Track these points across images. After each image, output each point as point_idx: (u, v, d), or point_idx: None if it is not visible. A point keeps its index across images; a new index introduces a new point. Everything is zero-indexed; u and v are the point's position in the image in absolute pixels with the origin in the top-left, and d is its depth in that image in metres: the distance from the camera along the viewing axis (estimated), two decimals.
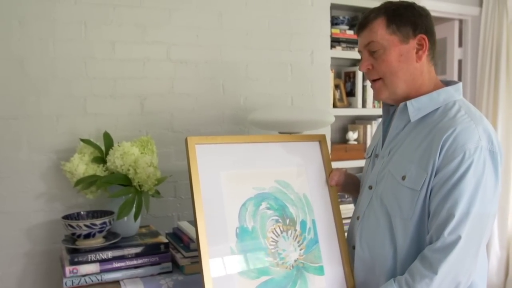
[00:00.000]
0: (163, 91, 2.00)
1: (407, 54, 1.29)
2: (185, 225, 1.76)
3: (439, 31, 4.07)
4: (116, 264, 1.57)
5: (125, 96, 1.94)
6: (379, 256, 1.32)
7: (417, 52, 1.29)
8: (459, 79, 3.85)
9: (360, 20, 1.36)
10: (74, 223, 1.56)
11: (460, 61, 3.84)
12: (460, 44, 3.82)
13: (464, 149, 1.17)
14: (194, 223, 1.35)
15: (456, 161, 1.17)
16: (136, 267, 1.59)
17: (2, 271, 1.81)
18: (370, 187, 1.37)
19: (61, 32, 1.82)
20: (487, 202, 1.18)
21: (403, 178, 1.25)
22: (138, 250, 1.60)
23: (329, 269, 1.48)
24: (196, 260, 1.60)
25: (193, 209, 1.36)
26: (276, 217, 1.46)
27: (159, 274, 1.61)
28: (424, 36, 1.29)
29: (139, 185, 1.67)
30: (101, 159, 1.76)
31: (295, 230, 1.48)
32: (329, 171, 1.56)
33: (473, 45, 3.71)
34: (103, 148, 1.79)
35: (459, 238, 1.15)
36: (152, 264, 1.61)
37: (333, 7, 2.56)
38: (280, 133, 1.99)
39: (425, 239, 1.23)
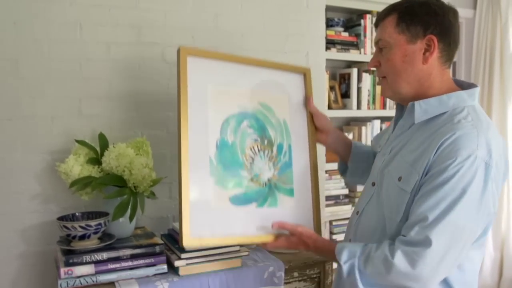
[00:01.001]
0: (158, 92, 2.00)
1: (412, 55, 1.25)
2: None
3: None
4: (111, 266, 1.57)
5: (120, 97, 1.93)
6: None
7: (424, 54, 1.25)
8: None
9: (380, 13, 1.33)
10: (69, 224, 1.55)
11: (454, 63, 3.86)
12: None
13: (457, 154, 1.13)
14: (177, 129, 1.42)
15: (446, 164, 1.13)
16: (131, 268, 1.59)
17: None
18: (373, 184, 1.36)
19: (56, 33, 1.82)
20: (466, 215, 1.12)
21: (399, 179, 1.25)
22: (133, 251, 1.60)
23: (298, 192, 1.62)
24: (192, 262, 1.61)
25: (178, 117, 1.43)
26: (256, 136, 1.58)
27: (154, 275, 1.61)
28: (434, 37, 1.23)
29: (134, 186, 1.67)
30: (96, 160, 1.76)
31: (272, 152, 1.60)
32: (309, 103, 1.67)
33: (467, 47, 3.73)
34: (98, 149, 1.79)
35: (426, 239, 1.11)
36: (147, 266, 1.61)
37: (328, 9, 2.56)
38: None
39: None
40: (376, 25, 1.34)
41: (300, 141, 1.66)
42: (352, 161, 1.66)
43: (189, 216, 1.40)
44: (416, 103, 1.27)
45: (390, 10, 1.30)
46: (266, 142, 1.60)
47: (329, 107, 2.92)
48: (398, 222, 1.24)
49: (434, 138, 1.19)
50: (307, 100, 1.69)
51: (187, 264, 1.61)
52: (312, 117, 1.69)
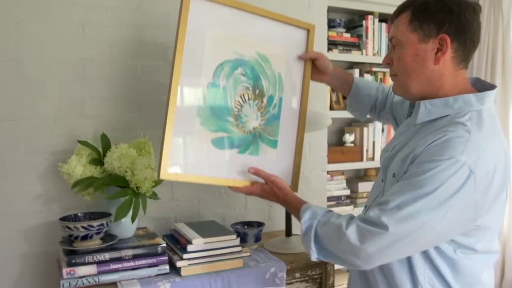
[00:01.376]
0: (160, 93, 2.00)
1: (424, 54, 1.20)
2: (182, 227, 1.77)
3: None
4: (114, 266, 1.57)
5: (122, 98, 1.94)
6: None
7: (436, 54, 1.19)
8: None
9: (395, 10, 1.29)
10: (71, 225, 1.56)
11: None
12: None
13: (440, 153, 1.09)
14: (171, 65, 1.46)
15: (427, 159, 1.10)
16: (133, 268, 1.60)
17: None
18: (382, 180, 1.33)
19: (59, 33, 1.83)
20: (429, 213, 1.07)
21: (393, 175, 1.23)
22: (135, 251, 1.61)
23: (282, 145, 1.66)
24: (194, 262, 1.62)
25: (173, 55, 1.46)
26: (248, 85, 1.60)
27: (156, 275, 1.61)
28: (447, 37, 1.17)
29: (137, 187, 1.68)
30: (98, 160, 1.76)
31: (262, 102, 1.63)
32: (308, 61, 1.70)
33: None
34: (100, 149, 1.80)
35: (382, 222, 1.09)
36: (149, 266, 1.61)
37: (330, 10, 2.57)
38: None
39: None
40: (391, 21, 1.29)
41: (292, 96, 1.69)
42: (350, 102, 1.74)
43: (170, 151, 1.45)
44: (422, 102, 1.23)
45: (405, 6, 1.24)
46: (257, 92, 1.62)
47: (331, 108, 2.92)
48: None
49: (427, 137, 1.16)
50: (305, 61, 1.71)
51: (189, 265, 1.62)
52: (311, 68, 1.71)
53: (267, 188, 1.53)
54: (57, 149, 1.84)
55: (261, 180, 1.55)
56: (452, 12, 1.17)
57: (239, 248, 1.70)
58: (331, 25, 2.90)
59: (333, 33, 2.86)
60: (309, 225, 1.26)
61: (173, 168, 1.47)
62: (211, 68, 1.53)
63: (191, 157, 1.50)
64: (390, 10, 2.88)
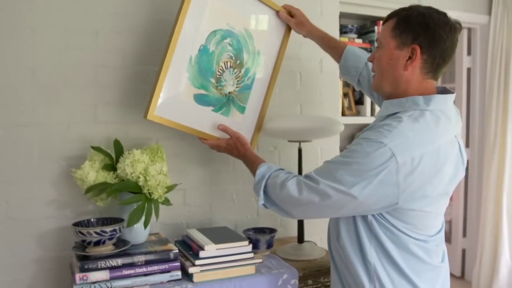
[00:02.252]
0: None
1: (396, 60, 1.34)
2: (194, 233, 1.77)
3: None
4: (126, 272, 1.57)
5: (135, 104, 1.95)
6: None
7: (406, 61, 1.32)
8: (468, 87, 3.83)
9: (386, 15, 1.42)
10: (84, 230, 1.56)
11: (469, 70, 3.83)
12: (469, 53, 3.81)
13: (370, 134, 1.27)
14: (173, 26, 1.70)
15: (360, 137, 1.31)
16: (145, 274, 1.60)
17: (12, 277, 1.81)
18: None
19: (72, 40, 1.84)
20: (362, 187, 1.23)
21: None
22: (147, 257, 1.61)
23: (248, 112, 1.94)
24: (206, 268, 1.61)
25: (176, 17, 1.70)
26: (232, 54, 1.85)
27: (169, 282, 1.61)
28: (418, 48, 1.30)
29: (149, 193, 1.68)
30: (111, 166, 1.77)
31: (240, 72, 1.88)
32: (284, 46, 2.00)
33: (482, 53, 3.70)
34: (113, 155, 1.81)
35: (316, 178, 1.30)
36: (162, 272, 1.61)
37: (342, 15, 2.56)
38: (289, 141, 1.99)
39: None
40: (382, 24, 1.43)
41: (265, 73, 1.96)
42: (340, 70, 1.92)
43: (159, 97, 1.68)
44: (385, 102, 1.40)
45: (393, 14, 1.38)
46: (238, 62, 1.88)
47: (343, 114, 2.91)
48: None
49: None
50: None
51: (201, 271, 1.62)
52: (285, 48, 2.01)
53: (231, 143, 1.77)
54: (71, 155, 1.86)
55: (228, 137, 1.80)
56: (428, 27, 1.29)
57: (251, 255, 1.69)
58: (343, 31, 2.90)
59: (345, 39, 2.85)
60: (262, 175, 1.48)
61: (158, 111, 1.69)
62: (205, 33, 1.77)
63: (174, 105, 1.73)
64: None
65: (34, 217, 1.83)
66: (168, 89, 1.70)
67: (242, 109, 1.93)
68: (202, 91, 1.80)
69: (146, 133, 1.97)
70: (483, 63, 3.69)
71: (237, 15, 1.84)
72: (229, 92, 1.87)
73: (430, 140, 1.26)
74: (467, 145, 3.90)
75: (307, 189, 1.32)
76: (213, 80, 1.82)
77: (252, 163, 1.63)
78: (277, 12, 1.95)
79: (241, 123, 1.92)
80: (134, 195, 1.68)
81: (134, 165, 1.68)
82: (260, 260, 1.71)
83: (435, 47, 1.30)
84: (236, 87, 1.89)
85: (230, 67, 1.85)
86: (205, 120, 1.82)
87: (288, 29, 2.00)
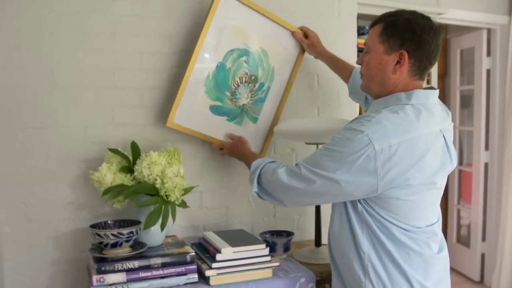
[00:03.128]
0: (190, 100, 2.00)
1: (385, 64, 1.40)
2: (211, 236, 1.76)
3: (467, 41, 4.02)
4: (143, 274, 1.57)
5: (152, 106, 1.95)
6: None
7: (395, 65, 1.39)
8: (488, 89, 3.78)
9: (373, 20, 1.48)
10: (101, 232, 1.57)
11: (488, 71, 3.78)
12: (489, 54, 3.76)
13: (350, 125, 1.34)
14: (194, 44, 1.86)
15: (344, 128, 1.37)
16: (162, 277, 1.60)
17: (30, 279, 1.83)
18: None
19: (90, 42, 1.85)
20: (343, 172, 1.29)
21: None
22: (164, 260, 1.60)
23: (261, 122, 2.09)
24: (223, 271, 1.61)
25: (197, 37, 1.86)
26: (247, 71, 2.00)
27: (185, 284, 1.61)
28: (405, 53, 1.36)
29: (166, 195, 1.68)
30: (128, 168, 1.78)
31: (254, 86, 2.03)
32: (298, 63, 2.12)
33: (502, 54, 3.64)
34: (130, 157, 1.81)
35: (302, 165, 1.40)
36: (178, 275, 1.61)
37: (359, 17, 2.54)
38: (306, 143, 1.97)
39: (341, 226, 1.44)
40: (369, 28, 1.48)
41: (279, 88, 2.09)
42: (348, 89, 2.03)
43: (179, 107, 1.86)
44: (373, 102, 1.48)
45: (379, 19, 1.44)
46: (253, 77, 2.02)
47: (360, 114, 2.88)
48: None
49: None
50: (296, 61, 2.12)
51: (218, 274, 1.61)
52: (299, 67, 2.12)
53: (233, 143, 1.93)
54: (88, 157, 1.86)
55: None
56: (415, 32, 1.36)
57: (268, 258, 1.68)
58: (360, 32, 2.87)
59: (362, 40, 2.83)
60: (257, 165, 1.58)
61: (177, 119, 1.88)
62: (223, 52, 1.93)
63: (192, 115, 1.91)
64: None
65: (51, 219, 1.84)
66: (186, 101, 1.87)
67: (254, 120, 2.07)
68: (218, 103, 1.96)
69: (163, 135, 1.97)
70: (503, 64, 3.64)
71: (254, 35, 1.99)
72: (243, 104, 2.02)
73: (408, 129, 1.30)
74: (486, 148, 3.85)
75: (294, 175, 1.41)
76: (228, 93, 1.98)
77: (248, 158, 1.74)
78: (293, 33, 2.07)
79: (253, 132, 2.06)
80: (151, 197, 1.67)
81: (151, 167, 1.68)
82: (277, 264, 1.70)
83: (421, 51, 1.37)
84: (250, 100, 2.03)
85: (245, 82, 2.00)
86: (219, 128, 1.98)
87: (303, 49, 2.12)
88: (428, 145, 1.32)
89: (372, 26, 1.46)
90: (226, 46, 1.93)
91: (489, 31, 3.69)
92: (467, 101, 4.19)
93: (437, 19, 2.92)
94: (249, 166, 1.64)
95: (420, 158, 1.29)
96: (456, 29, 4.10)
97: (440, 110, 1.43)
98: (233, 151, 1.91)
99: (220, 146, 1.97)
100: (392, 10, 1.47)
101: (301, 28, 2.09)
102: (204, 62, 1.89)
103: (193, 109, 1.90)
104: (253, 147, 2.01)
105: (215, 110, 1.96)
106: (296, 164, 1.44)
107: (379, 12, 2.78)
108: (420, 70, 1.40)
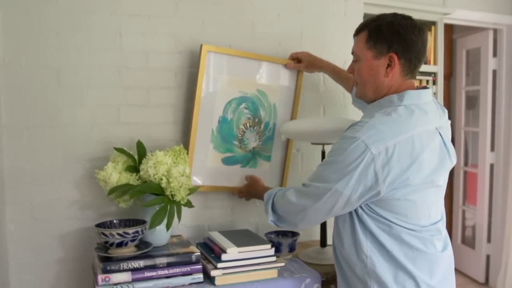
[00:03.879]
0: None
1: (376, 69, 1.42)
2: (217, 236, 1.76)
3: (473, 41, 4.00)
4: (148, 274, 1.57)
5: (158, 106, 1.95)
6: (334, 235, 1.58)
7: (386, 69, 1.41)
8: (494, 90, 3.76)
9: (356, 27, 1.50)
10: (107, 232, 1.56)
11: (494, 71, 3.76)
12: (495, 54, 3.74)
13: (345, 134, 1.35)
14: (193, 106, 1.89)
15: (339, 140, 1.37)
16: (167, 277, 1.59)
17: (35, 277, 1.83)
18: None
19: (96, 42, 1.85)
20: (334, 177, 1.32)
21: None
22: (169, 259, 1.60)
23: (274, 159, 2.12)
24: (228, 272, 1.60)
25: (194, 96, 1.89)
26: (249, 115, 2.04)
27: (190, 284, 1.61)
28: (394, 55, 1.38)
29: (172, 195, 1.67)
30: (134, 168, 1.77)
31: (260, 128, 2.07)
32: (298, 92, 2.13)
33: (508, 54, 3.63)
34: (136, 157, 1.81)
35: (309, 184, 1.42)
36: (184, 274, 1.61)
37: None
38: (312, 143, 1.97)
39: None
40: (354, 37, 1.50)
41: (285, 121, 2.10)
42: (352, 98, 1.97)
43: (192, 169, 1.90)
44: (367, 106, 1.50)
45: (363, 26, 1.46)
46: (256, 120, 2.06)
47: None
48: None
49: None
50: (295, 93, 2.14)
51: (223, 274, 1.60)
52: (299, 98, 2.14)
53: (247, 185, 1.96)
54: (94, 156, 1.86)
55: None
56: (400, 34, 1.38)
57: (274, 258, 1.68)
58: None
59: None
60: (270, 195, 1.58)
61: (194, 180, 1.93)
62: (221, 105, 1.96)
63: (206, 172, 1.97)
64: (426, 17, 2.85)
65: (57, 218, 1.84)
66: (197, 161, 1.93)
67: (267, 158, 2.11)
68: (228, 154, 2.01)
69: (168, 135, 1.97)
70: (509, 65, 3.62)
71: (247, 80, 2.02)
72: (253, 147, 2.06)
73: (402, 130, 1.32)
74: (492, 149, 3.83)
75: (302, 194, 1.43)
76: (236, 142, 2.02)
77: (261, 192, 1.74)
78: (285, 66, 2.08)
79: (268, 170, 2.11)
80: (157, 197, 1.67)
81: (157, 166, 1.68)
82: (282, 264, 1.70)
83: (409, 51, 1.39)
84: (259, 141, 2.07)
85: (250, 126, 2.04)
86: (235, 176, 2.03)
87: (300, 75, 2.13)
88: (424, 144, 1.33)
89: (356, 34, 1.48)
90: (223, 99, 1.96)
91: (495, 31, 3.68)
92: (472, 101, 4.18)
93: (444, 20, 2.92)
94: (263, 199, 1.64)
95: (417, 157, 1.31)
96: (462, 29, 4.09)
97: (435, 109, 1.45)
98: (250, 192, 1.93)
99: (239, 192, 2.00)
100: (393, 11, 1.50)
101: (290, 57, 2.10)
102: (205, 120, 1.92)
103: (206, 167, 1.96)
104: (272, 182, 2.09)
105: (228, 161, 2.01)
106: (303, 184, 1.46)
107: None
108: (411, 69, 1.42)
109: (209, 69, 1.91)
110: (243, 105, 2.01)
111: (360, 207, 1.37)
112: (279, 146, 2.12)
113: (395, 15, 1.42)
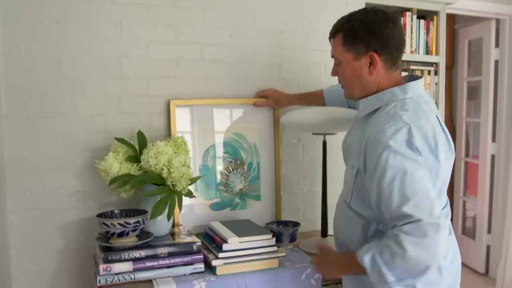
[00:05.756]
0: (196, 91, 2.00)
1: (360, 70, 1.41)
2: (218, 226, 1.76)
3: (475, 31, 3.98)
4: (149, 263, 1.57)
5: (159, 96, 1.94)
6: (337, 228, 1.55)
7: (369, 67, 1.40)
8: (496, 80, 3.74)
9: (330, 31, 1.48)
10: (108, 222, 1.57)
11: (496, 62, 3.74)
12: (497, 45, 3.71)
13: (380, 143, 1.28)
14: None
15: (376, 154, 1.28)
16: (168, 266, 1.60)
17: (37, 267, 1.83)
18: (346, 171, 1.54)
19: (97, 32, 1.84)
20: (411, 188, 1.23)
21: (352, 167, 1.44)
22: (170, 249, 1.60)
23: (264, 197, 2.11)
24: (229, 261, 1.61)
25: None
26: (230, 159, 2.05)
27: (191, 274, 1.61)
28: (374, 54, 1.38)
29: (173, 185, 1.67)
30: (135, 158, 1.77)
31: (243, 169, 2.08)
32: (277, 128, 2.11)
33: (511, 45, 3.61)
34: (137, 147, 1.80)
35: (416, 219, 1.23)
36: (185, 264, 1.61)
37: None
38: (313, 134, 1.96)
39: (358, 221, 1.41)
40: (330, 40, 1.49)
41: (267, 158, 2.11)
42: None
43: (179, 220, 1.92)
44: (361, 101, 1.46)
45: (336, 29, 1.45)
46: (238, 162, 2.06)
47: None
48: (349, 203, 1.46)
49: (367, 130, 1.36)
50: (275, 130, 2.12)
51: (225, 264, 1.61)
52: (279, 134, 2.13)
53: (319, 261, 1.53)
54: (94, 146, 1.86)
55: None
56: (374, 31, 1.37)
57: (275, 248, 1.68)
58: None
59: None
60: (372, 257, 1.29)
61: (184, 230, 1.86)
62: (200, 154, 1.99)
63: (197, 220, 1.99)
64: (428, 7, 2.83)
65: (58, 208, 1.84)
66: (185, 209, 1.95)
67: (257, 197, 2.10)
68: (215, 200, 2.03)
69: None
70: (511, 55, 3.60)
71: (221, 126, 2.03)
72: (240, 190, 2.07)
73: (428, 121, 1.33)
74: (493, 140, 3.83)
75: (418, 229, 1.22)
76: (221, 187, 2.04)
77: (346, 261, 1.43)
78: (253, 104, 2.07)
79: (260, 209, 2.09)
80: (158, 187, 1.67)
81: (158, 156, 1.67)
82: (283, 254, 1.70)
83: (388, 45, 1.38)
84: (245, 183, 2.08)
85: (233, 169, 2.05)
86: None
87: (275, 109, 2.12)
88: (436, 131, 1.34)
89: (331, 37, 1.47)
90: (200, 148, 1.99)
91: (497, 21, 3.65)
92: (474, 92, 4.16)
93: (446, 9, 2.90)
94: (355, 265, 1.34)
95: (438, 142, 1.33)
96: (464, 19, 4.06)
97: (428, 97, 1.46)
98: (328, 269, 1.51)
99: (315, 268, 1.60)
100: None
101: (257, 95, 2.09)
102: None
103: (195, 215, 1.99)
104: (268, 217, 2.10)
105: (216, 207, 2.03)
106: (405, 223, 1.24)
107: (387, 1, 2.78)
108: (394, 62, 1.42)
109: (181, 119, 1.94)
110: (222, 150, 2.03)
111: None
112: (268, 182, 2.11)
113: (365, 11, 1.41)
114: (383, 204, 1.29)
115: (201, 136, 1.99)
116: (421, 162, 1.27)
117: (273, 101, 2.07)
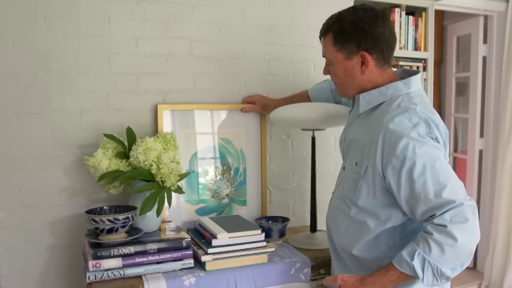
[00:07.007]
0: (185, 87, 2.00)
1: (351, 69, 1.42)
2: (207, 221, 1.76)
3: (463, 28, 4.00)
4: (139, 259, 1.57)
5: (148, 92, 1.94)
6: (333, 228, 1.54)
7: (361, 66, 1.41)
8: (483, 76, 3.77)
9: (320, 30, 1.49)
10: (97, 218, 1.56)
11: (484, 58, 3.76)
12: (485, 41, 3.74)
13: (402, 136, 1.28)
14: None
15: (399, 149, 1.28)
16: (158, 262, 1.60)
17: (25, 264, 1.83)
18: (344, 168, 1.53)
19: (85, 27, 1.83)
20: (443, 174, 1.25)
21: (356, 164, 1.42)
22: (160, 245, 1.61)
23: (250, 202, 2.12)
24: (219, 257, 1.61)
25: None
26: (217, 164, 2.05)
27: (181, 270, 1.61)
28: (365, 53, 1.38)
29: (162, 181, 1.67)
30: (124, 154, 1.77)
31: (230, 174, 2.08)
32: (264, 134, 2.12)
33: (499, 41, 3.63)
34: (126, 143, 1.80)
35: (456, 204, 1.24)
36: (174, 260, 1.61)
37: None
38: (302, 129, 1.97)
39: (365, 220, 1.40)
40: (320, 39, 1.50)
41: (254, 163, 2.12)
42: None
43: (166, 218, 1.93)
44: (361, 95, 1.45)
45: (326, 29, 1.45)
46: (225, 167, 2.07)
47: None
48: (355, 201, 1.42)
49: (375, 125, 1.36)
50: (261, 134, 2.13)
51: (214, 259, 1.61)
52: (266, 141, 2.13)
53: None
54: (83, 143, 1.86)
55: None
56: (365, 30, 1.37)
57: (264, 243, 1.68)
58: None
59: None
60: (421, 259, 1.24)
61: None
62: (187, 159, 1.98)
63: (182, 225, 1.94)
64: (418, 3, 2.84)
65: (47, 205, 1.84)
66: (172, 216, 1.96)
67: (243, 203, 2.11)
68: (202, 205, 2.03)
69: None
70: (499, 52, 3.63)
71: (208, 132, 2.04)
72: (226, 195, 2.07)
73: (435, 113, 1.38)
74: (481, 135, 3.86)
75: (463, 213, 1.22)
76: (208, 192, 2.04)
77: (386, 276, 1.32)
78: (241, 110, 2.07)
79: (246, 214, 2.06)
80: (147, 183, 1.67)
81: (147, 153, 1.67)
82: (272, 249, 1.71)
83: (379, 44, 1.39)
84: (231, 188, 2.08)
85: (219, 174, 2.06)
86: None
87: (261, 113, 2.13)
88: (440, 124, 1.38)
89: (322, 37, 1.48)
90: (187, 153, 1.98)
91: (486, 18, 3.67)
92: (462, 88, 4.19)
93: (434, 6, 2.91)
94: (398, 278, 1.29)
95: (446, 136, 1.38)
96: (453, 15, 4.08)
97: (423, 91, 1.49)
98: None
99: None
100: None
101: (244, 101, 2.10)
102: None
103: (181, 220, 1.98)
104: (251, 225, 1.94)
105: (201, 212, 2.02)
106: (447, 209, 1.23)
107: None
108: (386, 59, 1.43)
109: (168, 123, 1.93)
110: (208, 155, 2.03)
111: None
112: (254, 188, 2.12)
113: (355, 10, 1.41)
114: (417, 196, 1.26)
115: (189, 141, 1.99)
116: (442, 150, 1.31)
117: (260, 106, 2.07)
